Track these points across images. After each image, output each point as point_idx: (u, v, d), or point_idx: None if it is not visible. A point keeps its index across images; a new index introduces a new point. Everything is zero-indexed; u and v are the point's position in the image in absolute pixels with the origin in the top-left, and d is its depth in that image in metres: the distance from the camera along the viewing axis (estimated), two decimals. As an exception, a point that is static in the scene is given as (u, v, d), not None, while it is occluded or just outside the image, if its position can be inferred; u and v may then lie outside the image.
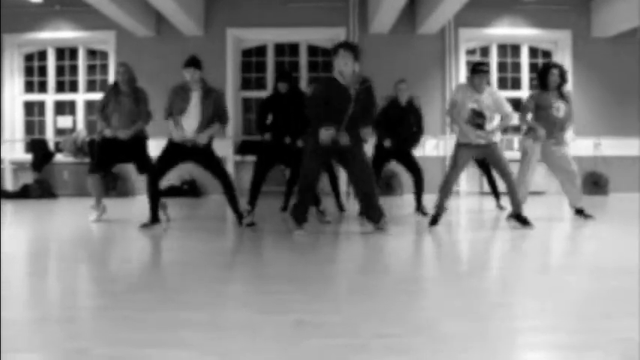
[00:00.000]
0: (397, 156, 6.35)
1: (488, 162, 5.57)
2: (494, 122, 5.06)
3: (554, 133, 5.51)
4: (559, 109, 5.50)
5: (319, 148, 4.53)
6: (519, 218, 5.00)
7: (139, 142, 5.85)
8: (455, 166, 5.05)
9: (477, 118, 4.94)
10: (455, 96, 5.03)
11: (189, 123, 5.18)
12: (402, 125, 6.23)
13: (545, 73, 5.56)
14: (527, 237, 4.55)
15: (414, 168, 6.32)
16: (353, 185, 4.77)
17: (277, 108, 5.79)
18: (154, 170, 5.28)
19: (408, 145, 6.32)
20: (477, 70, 4.94)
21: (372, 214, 4.67)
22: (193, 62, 5.24)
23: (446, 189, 5.07)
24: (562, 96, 5.56)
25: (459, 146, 5.03)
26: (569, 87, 9.75)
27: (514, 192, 4.98)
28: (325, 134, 4.45)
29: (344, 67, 4.49)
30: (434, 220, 5.03)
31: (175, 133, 5.17)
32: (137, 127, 5.78)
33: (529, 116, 5.62)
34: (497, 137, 5.06)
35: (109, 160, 5.92)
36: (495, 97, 5.01)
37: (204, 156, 5.31)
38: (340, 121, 4.52)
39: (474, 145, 4.98)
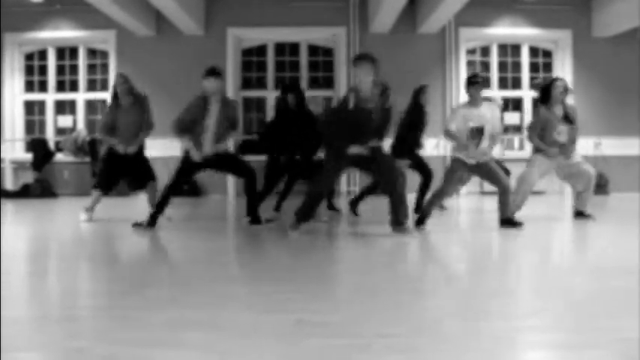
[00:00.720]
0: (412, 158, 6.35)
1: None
2: (485, 142, 5.01)
3: (562, 151, 5.49)
4: (561, 133, 5.45)
5: (342, 158, 4.59)
6: (509, 222, 4.98)
7: (141, 154, 5.83)
8: (450, 181, 5.06)
9: (475, 137, 4.94)
10: (450, 124, 5.00)
11: (207, 136, 5.10)
12: (423, 129, 6.33)
13: (549, 87, 5.53)
14: (528, 237, 4.55)
15: (427, 170, 6.33)
16: (382, 188, 4.78)
17: (286, 125, 5.78)
18: (172, 184, 5.18)
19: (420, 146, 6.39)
20: (472, 82, 4.95)
21: (396, 216, 4.58)
22: (215, 72, 5.10)
23: (438, 199, 5.11)
24: (566, 116, 5.49)
25: (455, 161, 5.05)
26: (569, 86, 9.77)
27: (506, 202, 4.97)
28: (356, 150, 4.53)
29: (364, 78, 4.51)
30: (421, 221, 5.03)
31: (195, 154, 5.06)
32: (142, 138, 5.75)
33: (537, 141, 5.53)
34: (488, 156, 5.05)
35: (117, 179, 5.94)
36: (494, 113, 5.01)
37: (226, 161, 5.27)
38: (364, 137, 4.55)
39: (467, 162, 4.99)
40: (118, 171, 5.85)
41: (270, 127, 5.98)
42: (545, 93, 5.54)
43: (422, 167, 6.37)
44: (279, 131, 5.86)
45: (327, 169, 4.68)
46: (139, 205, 8.10)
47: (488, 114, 4.96)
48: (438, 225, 5.18)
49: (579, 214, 5.62)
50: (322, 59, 10.79)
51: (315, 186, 4.72)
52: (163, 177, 10.38)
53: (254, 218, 5.30)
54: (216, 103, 5.12)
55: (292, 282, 2.91)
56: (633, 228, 4.93)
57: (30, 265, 3.59)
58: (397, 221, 4.57)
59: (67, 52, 10.83)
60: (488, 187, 10.01)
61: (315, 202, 4.72)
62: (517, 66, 10.73)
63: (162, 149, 10.17)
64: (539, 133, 5.49)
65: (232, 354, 1.79)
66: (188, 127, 5.10)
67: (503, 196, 4.96)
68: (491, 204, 7.40)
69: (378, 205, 6.69)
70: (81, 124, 10.73)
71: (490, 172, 5.02)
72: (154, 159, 10.34)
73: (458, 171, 5.05)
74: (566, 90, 5.50)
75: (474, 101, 4.97)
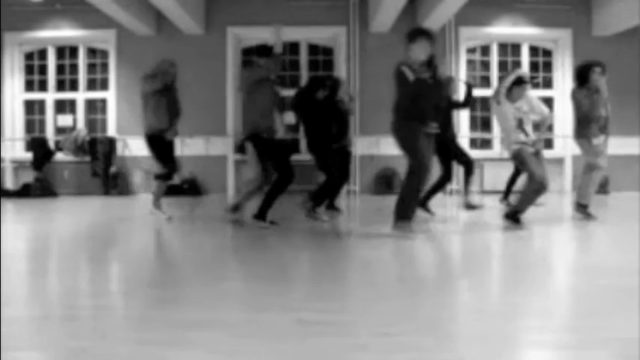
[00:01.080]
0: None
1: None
2: (529, 129, 5.05)
3: (607, 130, 5.50)
4: (606, 107, 5.47)
5: (422, 139, 4.30)
6: (514, 218, 4.97)
7: (173, 145, 5.76)
8: (534, 166, 4.92)
9: (520, 127, 4.97)
10: (506, 109, 4.99)
11: (279, 120, 5.04)
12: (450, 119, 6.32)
13: (586, 72, 5.47)
14: (528, 236, 4.55)
15: (449, 169, 6.27)
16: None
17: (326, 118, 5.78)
18: (289, 173, 5.05)
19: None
20: (524, 81, 4.96)
21: (398, 209, 4.37)
22: (272, 52, 5.01)
23: (535, 193, 4.97)
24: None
25: (521, 148, 4.96)
26: (569, 85, 9.78)
27: (532, 200, 4.94)
28: (433, 129, 4.28)
29: (418, 57, 4.32)
30: (515, 219, 4.93)
31: (280, 129, 4.98)
32: (176, 125, 5.68)
33: (593, 122, 5.43)
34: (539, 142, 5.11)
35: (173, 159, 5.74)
36: (529, 100, 5.04)
37: (281, 147, 5.16)
38: (432, 112, 4.36)
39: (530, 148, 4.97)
40: (169, 153, 5.69)
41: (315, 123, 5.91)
42: (582, 77, 5.51)
43: (448, 162, 6.29)
44: (322, 126, 5.81)
45: (422, 154, 4.26)
46: (140, 203, 8.11)
47: (525, 107, 4.99)
48: (439, 224, 5.17)
49: (582, 206, 5.59)
50: (322, 58, 10.79)
51: (421, 177, 4.27)
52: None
53: (260, 214, 5.12)
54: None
55: (293, 281, 2.91)
56: (633, 227, 4.93)
57: (30, 265, 3.59)
58: (399, 214, 4.33)
59: (67, 52, 10.83)
60: (488, 185, 10.03)
61: (418, 194, 4.35)
62: (517, 65, 10.71)
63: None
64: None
65: (233, 353, 1.79)
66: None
67: (537, 193, 4.91)
68: (491, 202, 7.40)
69: (372, 205, 6.69)
70: (81, 124, 10.73)
71: (542, 164, 4.99)
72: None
73: (529, 153, 4.97)
74: (603, 74, 5.47)
75: (515, 99, 4.99)
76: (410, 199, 4.29)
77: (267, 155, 5.11)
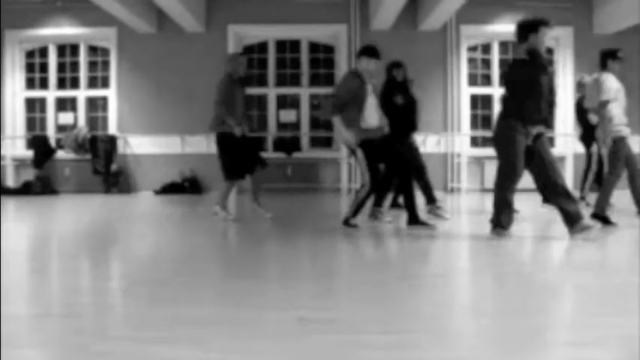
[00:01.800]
0: None
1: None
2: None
3: None
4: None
5: (521, 139, 4.11)
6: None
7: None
8: (621, 162, 4.85)
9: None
10: (609, 94, 4.85)
11: (372, 118, 4.87)
12: None
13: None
14: (529, 235, 4.54)
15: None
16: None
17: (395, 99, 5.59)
18: (377, 178, 4.86)
19: None
20: (619, 57, 4.96)
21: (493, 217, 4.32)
22: (378, 53, 4.88)
23: (614, 186, 4.86)
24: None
25: (621, 140, 4.84)
26: (569, 83, 9.80)
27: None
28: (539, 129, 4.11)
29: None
30: (605, 219, 4.82)
31: (365, 132, 4.77)
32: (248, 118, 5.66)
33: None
34: None
35: (245, 162, 5.55)
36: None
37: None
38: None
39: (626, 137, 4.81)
40: (243, 154, 5.52)
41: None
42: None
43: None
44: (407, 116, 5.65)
45: (516, 155, 4.08)
46: (140, 202, 8.11)
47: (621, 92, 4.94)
48: (440, 224, 5.16)
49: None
50: (323, 56, 10.78)
51: (511, 179, 4.11)
52: (162, 175, 10.37)
53: (411, 217, 4.88)
54: (370, 84, 4.91)
55: (294, 279, 2.91)
56: (632, 225, 4.92)
57: (31, 262, 3.59)
58: (495, 222, 4.22)
59: (68, 50, 10.83)
60: (489, 184, 10.02)
61: (511, 198, 4.18)
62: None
63: (167, 146, 10.17)
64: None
65: (234, 352, 1.79)
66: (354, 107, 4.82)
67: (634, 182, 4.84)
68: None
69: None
70: (82, 121, 10.73)
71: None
72: (162, 156, 10.35)
73: (624, 149, 4.88)
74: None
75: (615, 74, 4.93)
76: (501, 206, 4.19)
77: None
